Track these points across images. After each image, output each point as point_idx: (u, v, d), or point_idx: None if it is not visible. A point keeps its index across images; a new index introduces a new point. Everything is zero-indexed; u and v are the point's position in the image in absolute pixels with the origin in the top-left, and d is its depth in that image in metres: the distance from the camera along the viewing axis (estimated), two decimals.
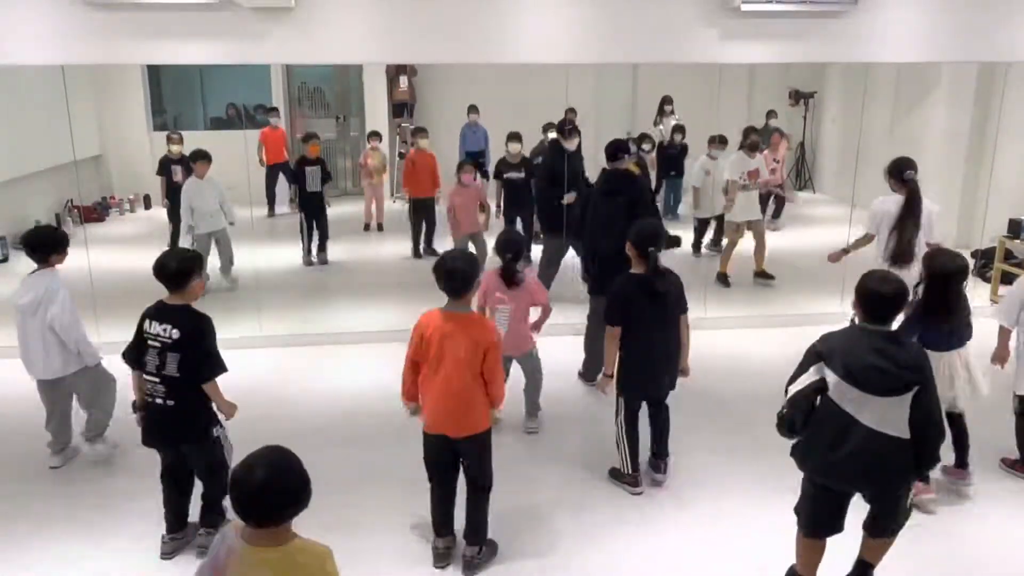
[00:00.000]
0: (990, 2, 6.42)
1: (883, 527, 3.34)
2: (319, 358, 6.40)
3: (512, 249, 4.81)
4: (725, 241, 8.52)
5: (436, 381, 3.57)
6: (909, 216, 5.31)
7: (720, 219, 8.85)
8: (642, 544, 3.98)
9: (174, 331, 3.61)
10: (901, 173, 5.34)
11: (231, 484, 2.21)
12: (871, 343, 3.09)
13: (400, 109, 11.19)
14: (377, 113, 11.24)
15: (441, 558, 3.79)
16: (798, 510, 3.41)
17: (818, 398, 3.19)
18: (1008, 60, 7.08)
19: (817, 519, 3.34)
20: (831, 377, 3.12)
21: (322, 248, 8.99)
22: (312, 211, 8.81)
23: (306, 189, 8.76)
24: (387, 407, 5.42)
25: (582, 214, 5.88)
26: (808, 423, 3.19)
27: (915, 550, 3.78)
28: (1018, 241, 7.87)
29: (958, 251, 4.16)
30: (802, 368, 3.23)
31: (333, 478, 4.42)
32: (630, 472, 4.44)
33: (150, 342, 3.64)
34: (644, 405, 4.51)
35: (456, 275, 3.50)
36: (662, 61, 6.56)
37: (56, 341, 4.44)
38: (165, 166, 8.50)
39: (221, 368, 3.75)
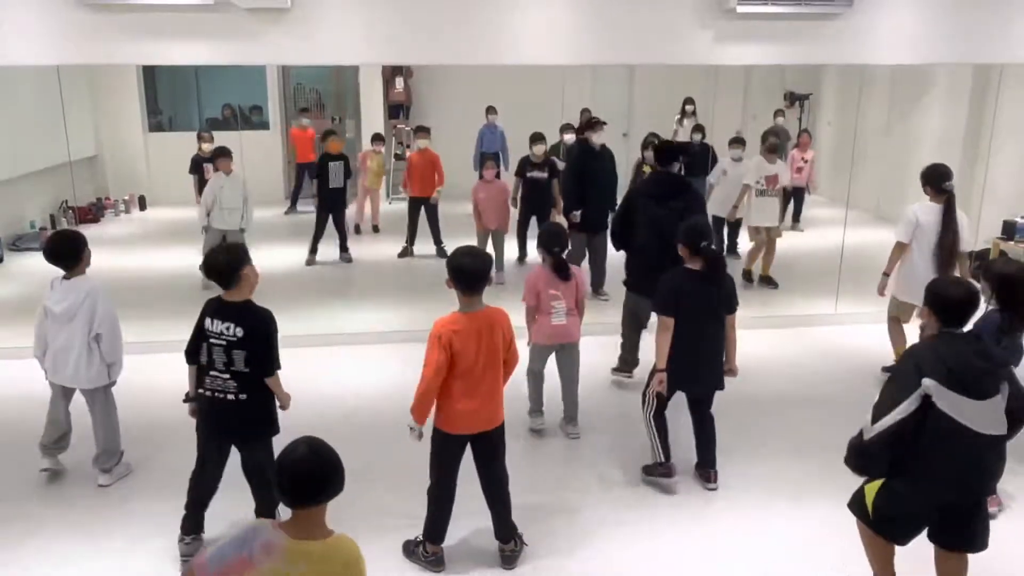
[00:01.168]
0: (985, 4, 6.45)
1: (982, 534, 3.23)
2: (318, 359, 6.40)
3: (560, 242, 4.86)
4: (751, 244, 8.48)
5: (478, 381, 3.57)
6: (950, 225, 5.32)
7: (736, 222, 8.81)
8: (639, 545, 3.99)
9: (237, 329, 3.61)
10: (941, 182, 5.34)
11: (279, 465, 2.34)
12: (970, 348, 3.07)
13: (396, 110, 11.18)
14: (373, 114, 11.23)
15: (439, 563, 3.79)
16: (883, 520, 3.23)
17: (913, 422, 3.02)
18: (1002, 62, 7.11)
19: (912, 531, 3.24)
20: (939, 391, 2.96)
21: (344, 247, 9.04)
22: (334, 207, 8.84)
23: (328, 185, 8.79)
24: (385, 408, 5.45)
25: (623, 217, 5.65)
26: (913, 451, 3.05)
27: (915, 550, 3.78)
28: (1012, 243, 7.90)
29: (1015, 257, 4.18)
30: (899, 393, 3.02)
31: None
32: (663, 459, 4.40)
33: (213, 340, 3.64)
34: (686, 406, 4.52)
35: (481, 275, 3.58)
36: (658, 63, 6.57)
37: (93, 350, 4.35)
38: (197, 164, 8.55)
39: (279, 363, 3.79)
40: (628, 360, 5.88)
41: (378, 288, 8.42)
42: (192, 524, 3.86)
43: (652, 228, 5.28)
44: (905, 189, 10.16)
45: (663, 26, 6.27)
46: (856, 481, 3.31)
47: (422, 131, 9.19)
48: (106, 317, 4.33)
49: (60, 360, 4.38)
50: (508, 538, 3.83)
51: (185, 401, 3.88)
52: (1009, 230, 7.96)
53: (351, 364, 6.34)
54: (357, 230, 10.16)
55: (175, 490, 4.38)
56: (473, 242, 8.03)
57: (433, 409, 3.64)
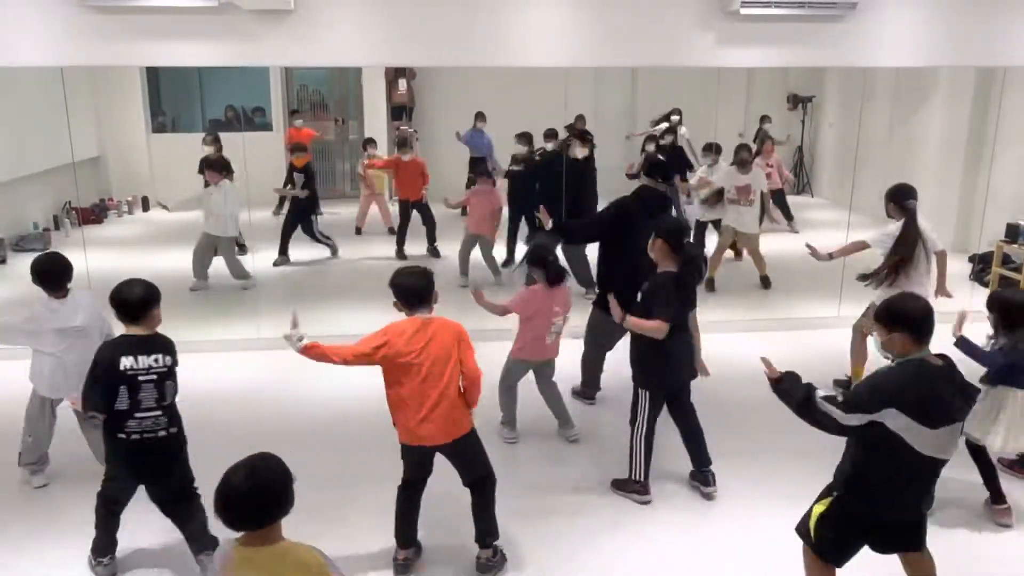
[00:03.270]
0: (988, 7, 6.43)
1: (924, 534, 3.27)
2: (308, 361, 6.38)
3: (550, 253, 4.88)
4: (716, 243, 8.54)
5: (428, 388, 3.53)
6: (908, 239, 5.34)
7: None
8: (636, 548, 3.98)
9: (166, 358, 3.57)
10: (904, 200, 5.38)
11: (217, 493, 2.30)
12: (944, 379, 3.00)
13: (399, 112, 11.18)
14: (376, 116, 11.23)
15: (403, 570, 3.76)
16: (824, 541, 3.23)
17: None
18: (1006, 64, 7.10)
19: (849, 552, 3.24)
20: (898, 419, 2.91)
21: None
22: (301, 214, 9.06)
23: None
24: (383, 410, 5.44)
25: (611, 230, 5.39)
26: (851, 468, 3.10)
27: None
28: (1016, 245, 7.88)
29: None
30: (856, 405, 3.00)
31: (326, 480, 4.43)
32: (641, 479, 4.38)
33: (142, 378, 3.49)
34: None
35: (419, 291, 3.63)
36: (661, 65, 6.57)
37: (87, 361, 4.37)
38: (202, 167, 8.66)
39: None
40: (592, 383, 5.73)
41: (375, 291, 8.40)
42: (108, 545, 3.80)
43: (642, 243, 5.03)
44: None
45: (665, 28, 6.26)
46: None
47: (403, 147, 9.26)
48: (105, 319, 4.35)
49: (72, 374, 4.32)
50: (486, 545, 3.78)
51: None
52: (1013, 233, 7.94)
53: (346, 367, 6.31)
54: (358, 232, 10.20)
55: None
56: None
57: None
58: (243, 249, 8.39)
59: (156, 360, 3.53)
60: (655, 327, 4.15)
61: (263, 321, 6.88)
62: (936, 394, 2.95)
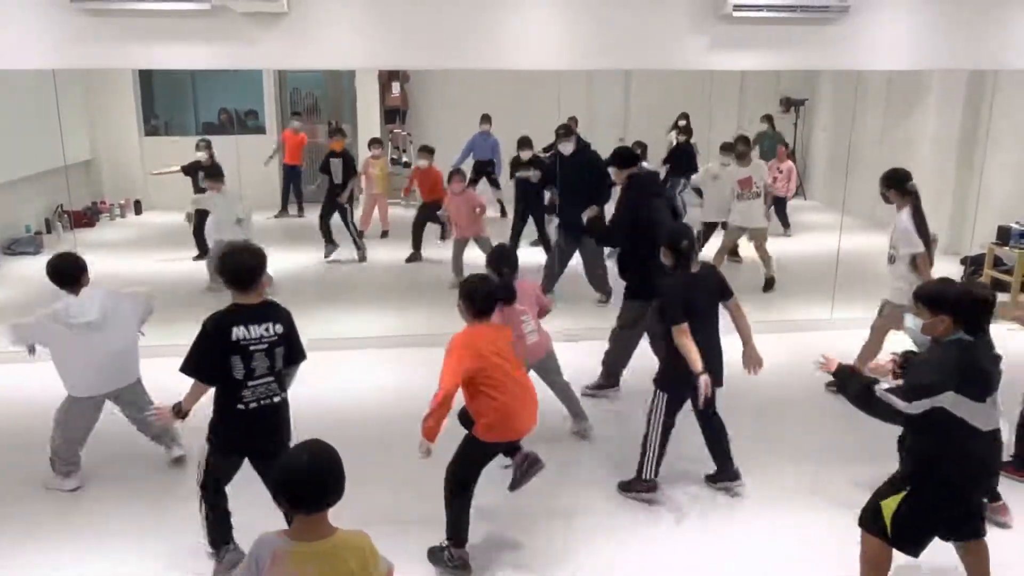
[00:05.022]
0: (979, 11, 6.47)
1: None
2: (313, 363, 6.37)
3: (509, 263, 4.76)
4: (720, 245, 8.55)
5: (514, 386, 3.66)
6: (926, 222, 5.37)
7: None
8: (634, 549, 3.98)
9: (277, 326, 3.52)
10: (905, 183, 5.35)
11: (280, 472, 2.35)
12: (987, 350, 3.21)
13: (392, 115, 11.20)
14: (369, 119, 11.23)
15: (463, 567, 3.76)
16: (903, 535, 3.25)
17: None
18: (997, 68, 7.14)
19: (926, 542, 3.29)
20: (958, 399, 3.06)
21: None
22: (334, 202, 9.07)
23: (332, 181, 9.06)
24: (381, 412, 5.44)
25: (634, 220, 5.52)
26: (925, 461, 3.19)
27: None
28: (1007, 248, 7.92)
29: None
30: (920, 391, 3.09)
31: None
32: (652, 476, 4.35)
33: (253, 347, 3.45)
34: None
35: (495, 294, 3.79)
36: (654, 68, 6.58)
37: (121, 351, 4.44)
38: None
39: None
40: (614, 375, 5.75)
41: (375, 293, 8.40)
42: (228, 532, 3.74)
43: (659, 225, 5.11)
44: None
45: (659, 31, 6.28)
46: (858, 493, 3.30)
47: (425, 151, 9.19)
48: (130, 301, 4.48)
49: (115, 365, 4.43)
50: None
51: (181, 417, 3.60)
52: (1004, 235, 7.98)
53: (344, 369, 6.31)
54: (360, 235, 10.17)
55: (169, 495, 4.41)
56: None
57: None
58: None
59: (267, 329, 3.48)
60: (678, 340, 4.14)
61: None
62: (980, 367, 3.13)
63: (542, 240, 8.74)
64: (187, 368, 3.45)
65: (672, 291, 4.25)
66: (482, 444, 3.71)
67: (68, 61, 5.82)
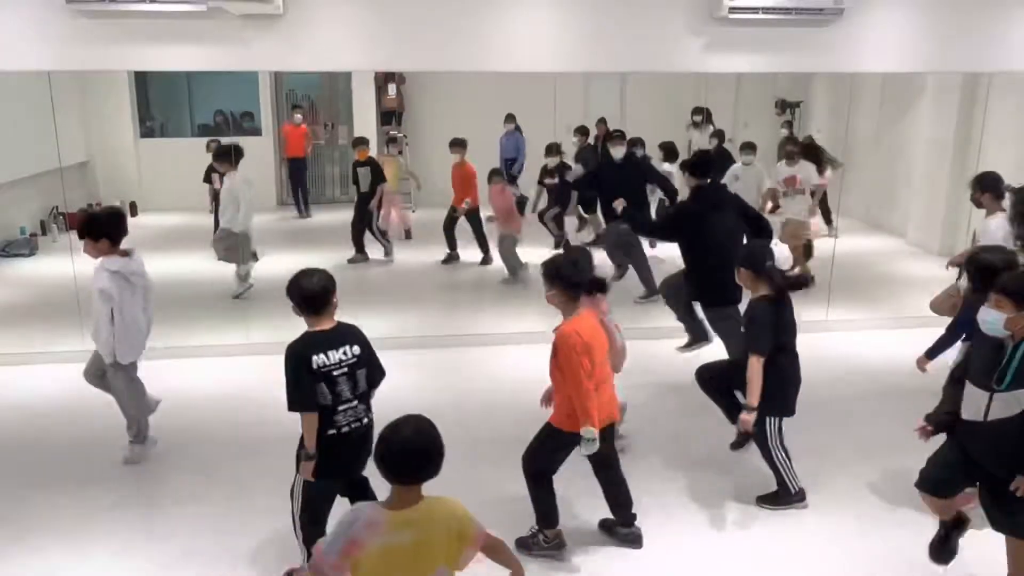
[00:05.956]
0: (974, 13, 6.49)
1: None
2: None
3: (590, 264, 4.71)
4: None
5: (609, 373, 3.82)
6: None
7: None
8: (632, 551, 3.99)
9: (354, 348, 3.44)
10: (999, 189, 5.10)
11: (380, 443, 2.41)
12: None
13: (388, 117, 11.21)
14: (365, 121, 11.25)
15: (560, 545, 3.89)
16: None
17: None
18: (991, 70, 7.17)
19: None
20: None
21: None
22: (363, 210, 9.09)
23: (359, 190, 9.07)
24: (379, 414, 5.43)
25: (672, 229, 5.77)
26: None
27: (915, 552, 3.80)
28: None
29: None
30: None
31: None
32: (799, 488, 4.32)
33: (336, 372, 3.37)
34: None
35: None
36: (649, 70, 6.60)
37: (150, 320, 4.61)
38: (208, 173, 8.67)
39: None
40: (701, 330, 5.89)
41: (374, 295, 8.39)
42: None
43: (722, 238, 5.24)
44: (895, 196, 10.26)
45: (654, 34, 6.29)
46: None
47: (457, 145, 8.92)
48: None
49: (134, 330, 4.50)
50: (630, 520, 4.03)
51: (308, 459, 3.39)
52: None
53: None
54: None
55: (168, 497, 4.40)
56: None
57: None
58: (254, 256, 8.21)
59: (345, 352, 3.40)
60: (752, 371, 4.07)
61: (252, 327, 6.86)
62: None
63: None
64: (295, 406, 3.35)
65: (760, 319, 4.13)
66: (562, 434, 3.74)
67: (64, 63, 5.82)
